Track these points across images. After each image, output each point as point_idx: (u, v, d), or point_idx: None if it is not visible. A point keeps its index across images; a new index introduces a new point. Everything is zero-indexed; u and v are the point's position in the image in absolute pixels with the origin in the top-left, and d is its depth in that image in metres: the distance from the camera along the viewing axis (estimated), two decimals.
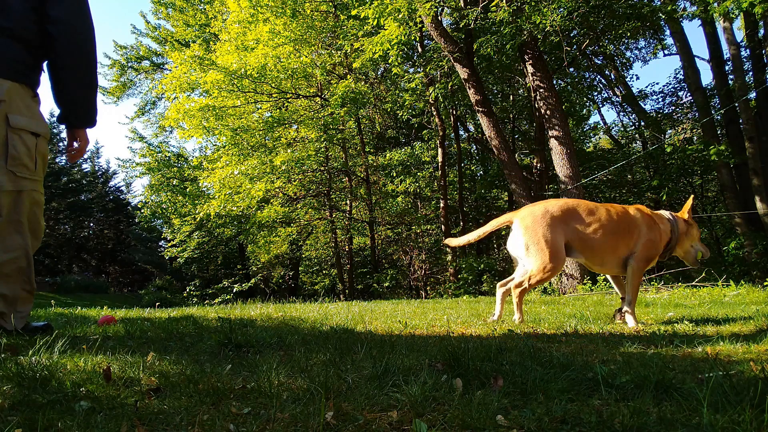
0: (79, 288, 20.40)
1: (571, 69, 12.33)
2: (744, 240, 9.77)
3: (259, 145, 11.99)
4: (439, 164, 13.04)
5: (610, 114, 46.93)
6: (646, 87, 31.16)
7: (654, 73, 61.49)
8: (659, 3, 9.44)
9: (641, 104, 14.88)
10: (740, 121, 10.21)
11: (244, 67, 10.70)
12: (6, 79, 1.79)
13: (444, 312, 3.72)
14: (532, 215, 2.77)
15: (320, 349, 1.81)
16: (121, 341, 1.94)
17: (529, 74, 8.82)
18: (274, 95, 12.16)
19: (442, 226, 12.95)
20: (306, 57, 11.66)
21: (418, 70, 12.46)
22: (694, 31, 57.88)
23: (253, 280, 15.69)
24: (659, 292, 5.48)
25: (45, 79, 2.01)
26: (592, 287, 6.91)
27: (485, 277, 11.23)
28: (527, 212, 2.82)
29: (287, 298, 8.50)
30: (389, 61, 9.63)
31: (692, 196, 3.19)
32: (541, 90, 8.54)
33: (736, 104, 9.77)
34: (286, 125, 12.54)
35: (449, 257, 12.65)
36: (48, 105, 45.95)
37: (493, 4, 7.89)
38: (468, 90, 9.16)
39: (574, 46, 10.50)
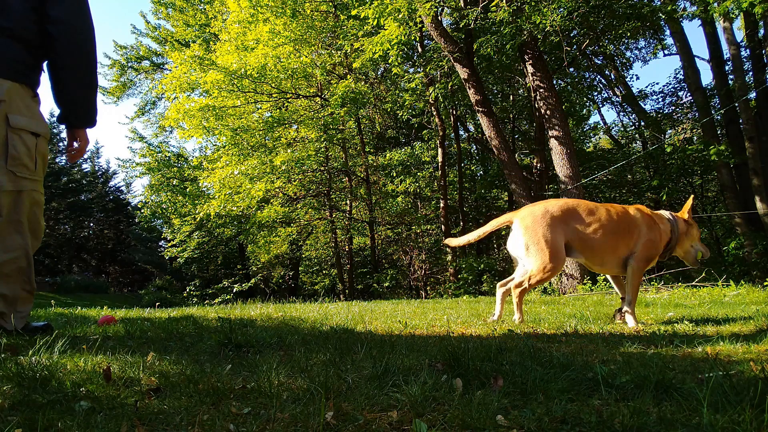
0: (79, 288, 20.41)
1: (571, 69, 12.33)
2: (744, 240, 9.77)
3: (259, 145, 11.99)
4: (439, 164, 13.04)
5: (610, 114, 46.99)
6: (646, 87, 31.18)
7: (654, 73, 61.55)
8: (659, 3, 9.43)
9: (641, 104, 14.89)
10: (740, 121, 10.21)
11: (244, 67, 10.70)
12: (6, 79, 1.79)
13: (444, 312, 3.72)
14: (532, 215, 2.77)
15: (320, 349, 1.81)
16: (121, 341, 1.94)
17: (529, 74, 8.82)
18: (274, 95, 12.16)
19: (442, 226, 12.95)
20: (306, 57, 11.66)
21: (418, 70, 12.46)
22: (694, 31, 57.92)
23: (253, 280, 15.70)
24: (659, 292, 5.48)
25: (45, 79, 2.01)
26: (592, 287, 6.91)
27: (485, 277, 11.23)
28: (527, 212, 2.82)
29: (287, 298, 8.50)
30: (389, 61, 9.63)
31: (692, 196, 3.19)
32: (541, 90, 8.54)
33: (736, 104, 9.77)
34: (286, 125, 12.54)
35: (449, 257, 12.65)
36: (48, 105, 45.96)
37: (493, 4, 7.89)
38: (468, 90, 9.16)
39: (574, 46, 10.50)
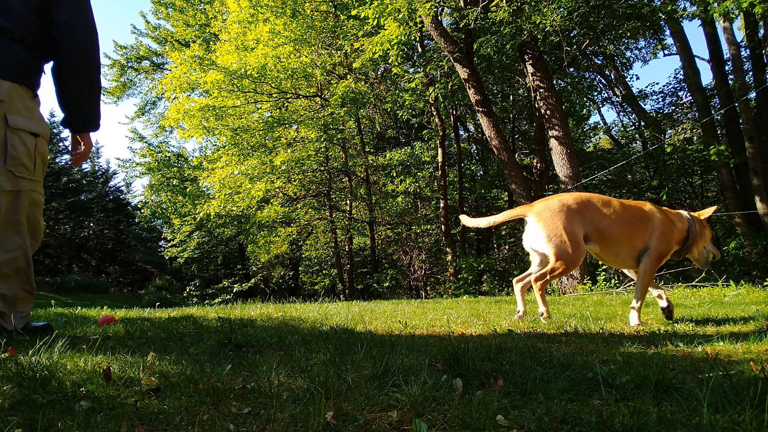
0: (79, 288, 20.42)
1: (571, 69, 12.33)
2: (744, 240, 9.77)
3: (259, 145, 12.00)
4: (439, 164, 13.04)
5: (610, 114, 46.96)
6: (646, 87, 31.19)
7: (654, 73, 61.56)
8: (659, 3, 9.43)
9: (641, 104, 14.89)
10: (740, 121, 10.20)
11: (244, 67, 10.70)
12: (6, 80, 1.80)
13: (444, 312, 3.72)
14: (549, 209, 2.76)
15: (320, 349, 1.81)
16: (121, 341, 1.94)
17: (529, 74, 8.82)
18: (274, 95, 12.17)
19: (442, 226, 12.95)
20: (306, 57, 11.66)
21: (418, 70, 12.46)
22: (694, 31, 57.91)
23: (253, 280, 15.70)
24: None
25: (45, 80, 2.02)
26: (592, 287, 6.91)
27: (485, 277, 11.22)
28: (543, 206, 2.80)
29: (287, 298, 8.50)
30: (389, 61, 9.63)
31: (717, 206, 3.22)
32: (541, 90, 8.54)
33: (736, 104, 9.76)
34: (286, 125, 12.54)
35: (449, 257, 12.65)
36: (48, 105, 45.95)
37: (493, 4, 7.89)
38: (468, 90, 9.16)
39: (574, 46, 10.50)
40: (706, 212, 2.95)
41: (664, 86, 15.46)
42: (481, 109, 8.98)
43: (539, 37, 8.25)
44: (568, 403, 1.15)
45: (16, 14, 1.80)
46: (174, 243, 16.68)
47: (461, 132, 15.28)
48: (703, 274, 6.43)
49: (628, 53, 14.25)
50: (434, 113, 12.89)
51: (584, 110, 15.71)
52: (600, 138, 19.58)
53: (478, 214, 16.11)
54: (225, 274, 18.28)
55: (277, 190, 12.83)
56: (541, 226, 2.75)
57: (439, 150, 12.92)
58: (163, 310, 4.38)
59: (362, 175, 14.30)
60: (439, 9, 9.45)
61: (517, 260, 14.09)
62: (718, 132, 11.34)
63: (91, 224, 28.57)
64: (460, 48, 8.91)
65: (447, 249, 12.98)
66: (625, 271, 3.06)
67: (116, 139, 69.42)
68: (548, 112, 8.39)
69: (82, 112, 2.01)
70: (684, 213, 2.91)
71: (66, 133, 24.96)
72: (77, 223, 26.80)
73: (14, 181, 1.83)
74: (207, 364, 1.52)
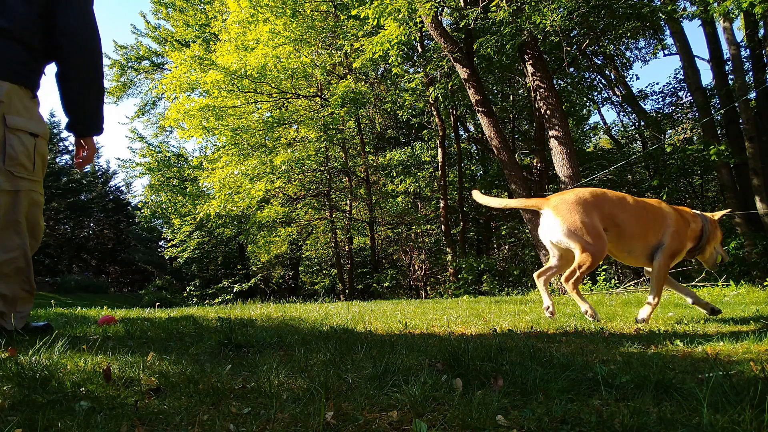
0: (79, 288, 20.42)
1: (571, 69, 12.33)
2: (744, 240, 9.76)
3: (259, 145, 12.00)
4: (439, 164, 13.04)
5: (610, 114, 46.94)
6: (646, 87, 31.19)
7: (654, 73, 61.54)
8: (659, 3, 9.43)
9: (641, 104, 14.89)
10: (740, 121, 10.20)
11: (244, 67, 10.70)
12: (5, 81, 1.80)
13: (444, 312, 3.72)
14: (566, 202, 2.73)
15: (320, 349, 1.81)
16: (121, 341, 1.94)
17: (529, 74, 8.82)
18: (274, 95, 12.17)
19: (442, 226, 12.95)
20: (306, 57, 11.66)
21: (418, 70, 12.46)
22: (694, 31, 57.91)
23: (253, 280, 15.70)
24: None
25: (45, 81, 2.03)
26: (592, 287, 6.90)
27: (485, 277, 11.23)
28: (559, 200, 2.77)
29: (287, 298, 8.50)
30: (389, 61, 9.63)
31: (730, 209, 3.22)
32: (541, 90, 8.54)
33: (736, 104, 9.76)
34: (286, 125, 12.55)
35: (449, 257, 12.65)
36: (47, 105, 45.96)
37: (493, 4, 7.89)
38: (468, 90, 9.16)
39: (574, 46, 10.50)
40: (719, 213, 2.95)
41: (664, 86, 15.49)
42: (481, 109, 8.98)
43: (539, 37, 8.25)
44: (568, 403, 1.15)
45: (15, 14, 1.80)
46: (174, 243, 16.68)
47: (461, 132, 15.28)
48: (703, 274, 6.43)
49: (628, 53, 14.26)
50: (434, 113, 12.89)
51: (584, 110, 15.71)
52: (600, 138, 19.59)
53: (478, 215, 16.11)
54: (225, 274, 18.28)
55: (277, 190, 12.83)
56: (560, 220, 2.71)
57: (439, 150, 12.92)
58: (163, 310, 4.38)
59: (362, 175, 14.30)
60: (439, 9, 9.45)
61: (517, 260, 14.08)
62: (718, 132, 11.34)
63: (91, 224, 28.58)
64: (460, 48, 8.91)
65: (447, 249, 12.98)
66: (645, 270, 3.03)
67: (116, 139, 69.43)
68: (548, 112, 8.39)
69: (86, 117, 2.03)
70: (698, 213, 2.91)
71: (66, 133, 24.96)
72: (77, 223, 26.81)
73: (13, 181, 1.83)
74: (207, 364, 1.52)
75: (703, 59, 11.36)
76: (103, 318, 2.81)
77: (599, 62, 14.32)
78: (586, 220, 2.66)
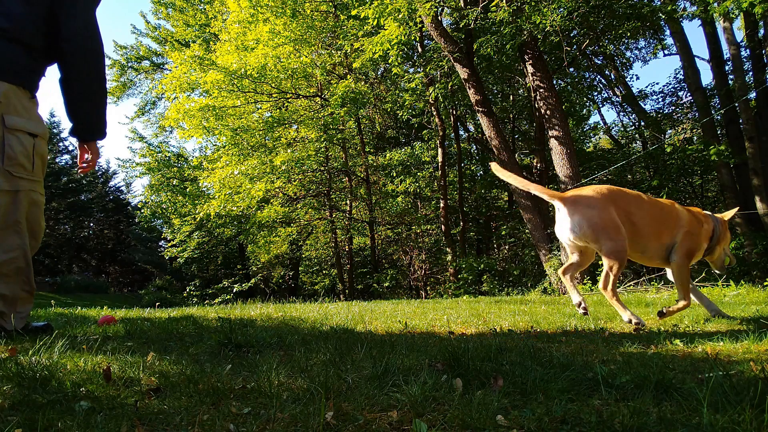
0: (79, 288, 20.41)
1: (571, 69, 12.33)
2: (744, 240, 9.76)
3: (259, 145, 12.00)
4: (439, 164, 13.04)
5: (610, 114, 46.89)
6: (646, 87, 31.19)
7: (654, 73, 61.52)
8: (659, 3, 9.43)
9: (641, 104, 14.88)
10: (740, 121, 10.20)
11: (244, 67, 10.71)
12: (3, 81, 1.80)
13: (444, 312, 3.72)
14: (584, 199, 2.68)
15: (320, 349, 1.81)
16: (121, 341, 1.94)
17: (529, 74, 8.82)
18: (274, 95, 12.17)
19: (442, 226, 12.95)
20: (306, 57, 11.66)
21: (418, 70, 12.46)
22: (694, 31, 57.89)
23: (253, 280, 15.70)
24: (659, 292, 5.48)
25: (45, 81, 2.03)
26: (592, 287, 6.90)
27: (485, 277, 11.22)
28: (576, 197, 2.71)
29: (287, 298, 8.50)
30: (389, 61, 9.63)
31: (738, 207, 3.21)
32: (541, 90, 8.54)
33: (736, 104, 9.76)
34: (286, 125, 12.55)
35: (449, 257, 12.65)
36: (47, 105, 45.98)
37: (493, 4, 7.89)
38: (468, 90, 9.16)
39: (574, 46, 10.50)
40: (729, 214, 2.94)
41: (664, 86, 15.48)
42: (481, 109, 8.98)
43: (539, 37, 8.25)
44: (568, 403, 1.15)
45: (14, 15, 1.80)
46: (174, 243, 16.68)
47: (461, 132, 15.28)
48: (703, 274, 6.43)
49: (628, 53, 14.25)
50: (434, 113, 12.89)
51: (584, 110, 15.71)
52: (600, 138, 19.59)
53: (478, 215, 16.11)
54: (225, 274, 18.28)
55: (277, 190, 12.84)
56: (578, 219, 2.65)
57: (439, 150, 12.92)
58: (163, 310, 4.38)
59: (362, 175, 14.30)
60: (439, 9, 9.45)
61: (517, 260, 14.08)
62: (718, 132, 11.34)
63: (91, 224, 28.57)
64: (460, 48, 8.91)
65: (447, 249, 12.98)
66: (667, 272, 2.97)
67: (116, 139, 69.33)
68: (548, 112, 8.39)
69: (89, 122, 2.04)
70: (709, 213, 2.90)
71: (66, 133, 24.95)
72: (77, 223, 26.80)
73: (12, 181, 1.83)
74: (207, 364, 1.52)
75: (703, 59, 11.37)
76: (103, 318, 2.81)
77: (599, 62, 14.32)
78: (606, 217, 2.60)
